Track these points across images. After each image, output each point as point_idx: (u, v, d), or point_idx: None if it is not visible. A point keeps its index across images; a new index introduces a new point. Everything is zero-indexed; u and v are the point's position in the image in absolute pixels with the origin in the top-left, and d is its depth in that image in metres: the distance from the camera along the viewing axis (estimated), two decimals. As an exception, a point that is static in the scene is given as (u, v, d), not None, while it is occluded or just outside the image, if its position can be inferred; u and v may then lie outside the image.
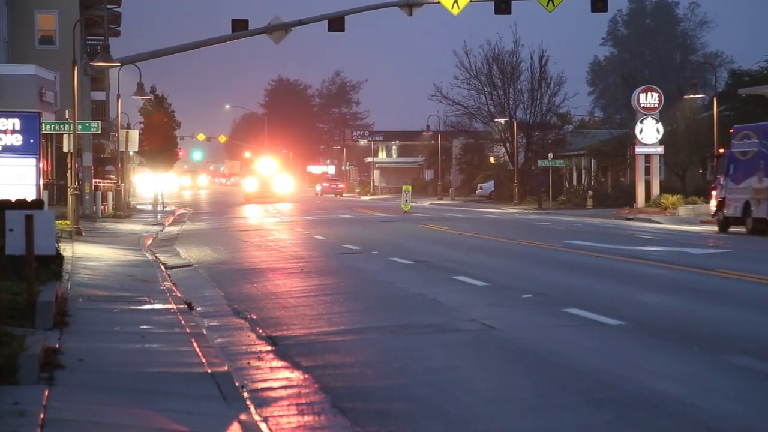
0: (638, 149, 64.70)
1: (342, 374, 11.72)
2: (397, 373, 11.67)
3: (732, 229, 39.74)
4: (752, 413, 9.55)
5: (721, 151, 44.56)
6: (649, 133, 64.25)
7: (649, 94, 64.79)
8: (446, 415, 9.64)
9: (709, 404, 9.80)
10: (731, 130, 42.87)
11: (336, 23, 47.81)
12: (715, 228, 41.03)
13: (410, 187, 66.03)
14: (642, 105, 64.68)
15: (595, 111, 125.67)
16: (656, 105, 64.59)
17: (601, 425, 9.22)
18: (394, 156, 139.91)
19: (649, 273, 22.13)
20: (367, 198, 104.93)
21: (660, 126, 64.29)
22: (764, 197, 37.86)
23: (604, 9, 46.97)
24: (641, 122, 64.38)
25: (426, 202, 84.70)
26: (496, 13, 46.91)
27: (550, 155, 77.15)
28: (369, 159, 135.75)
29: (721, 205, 40.84)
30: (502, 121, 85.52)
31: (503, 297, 18.02)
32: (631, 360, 12.09)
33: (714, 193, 42.25)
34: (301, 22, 49.01)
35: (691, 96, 56.79)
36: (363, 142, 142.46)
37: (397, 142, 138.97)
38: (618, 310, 15.57)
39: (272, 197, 73.49)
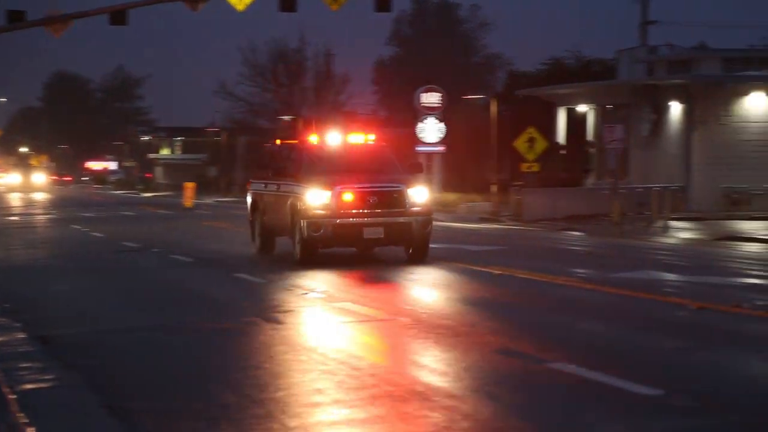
0: (420, 148, 65.80)
1: (116, 374, 11.50)
2: (173, 372, 11.53)
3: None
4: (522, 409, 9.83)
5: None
6: (431, 132, 65.43)
7: (431, 93, 65.98)
8: (227, 411, 9.56)
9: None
10: None
11: (118, 17, 46.81)
12: (494, 225, 43.05)
13: (194, 184, 65.45)
14: (424, 104, 65.82)
15: (380, 110, 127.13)
16: (438, 105, 65.81)
17: (374, 419, 9.34)
18: (178, 152, 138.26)
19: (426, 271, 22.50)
20: (149, 195, 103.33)
21: (442, 125, 65.57)
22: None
23: (388, 9, 47.51)
24: (423, 121, 65.51)
25: (210, 200, 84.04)
26: (280, 10, 46.90)
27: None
28: (152, 155, 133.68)
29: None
30: (288, 118, 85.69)
31: (285, 293, 18.09)
32: (406, 355, 12.30)
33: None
34: (81, 15, 47.87)
35: (471, 96, 58.09)
36: (146, 138, 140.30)
37: (182, 138, 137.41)
38: (394, 307, 15.78)
39: (398, 239, 23.39)
